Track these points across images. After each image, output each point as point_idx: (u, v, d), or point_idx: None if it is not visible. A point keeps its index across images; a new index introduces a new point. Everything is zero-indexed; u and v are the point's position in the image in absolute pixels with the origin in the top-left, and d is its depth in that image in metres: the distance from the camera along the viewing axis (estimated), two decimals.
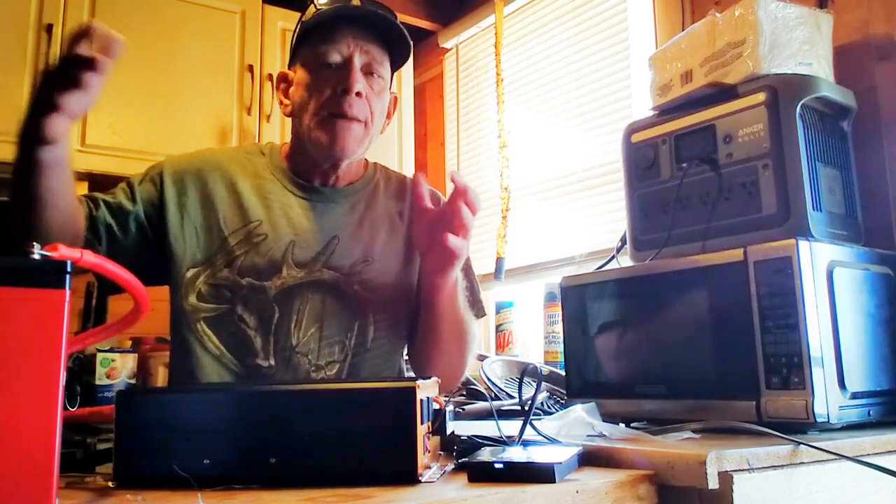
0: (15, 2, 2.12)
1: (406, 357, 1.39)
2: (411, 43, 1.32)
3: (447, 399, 1.33)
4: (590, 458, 0.84)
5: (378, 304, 1.28)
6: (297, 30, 1.29)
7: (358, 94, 1.22)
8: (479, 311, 1.39)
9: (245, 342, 1.22)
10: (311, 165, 1.30)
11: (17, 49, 2.10)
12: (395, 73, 1.35)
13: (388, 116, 1.35)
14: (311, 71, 1.25)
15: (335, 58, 1.23)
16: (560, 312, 1.35)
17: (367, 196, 1.35)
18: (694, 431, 0.95)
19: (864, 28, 1.50)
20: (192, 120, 2.33)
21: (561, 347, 1.76)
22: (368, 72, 1.25)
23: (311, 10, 1.27)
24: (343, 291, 1.26)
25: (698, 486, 0.75)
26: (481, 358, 1.76)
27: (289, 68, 1.33)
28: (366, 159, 1.39)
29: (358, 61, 1.23)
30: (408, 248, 1.33)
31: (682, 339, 1.13)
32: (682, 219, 1.29)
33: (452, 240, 1.11)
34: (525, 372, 1.44)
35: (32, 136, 0.93)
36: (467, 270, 1.39)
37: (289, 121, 1.33)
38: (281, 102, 1.33)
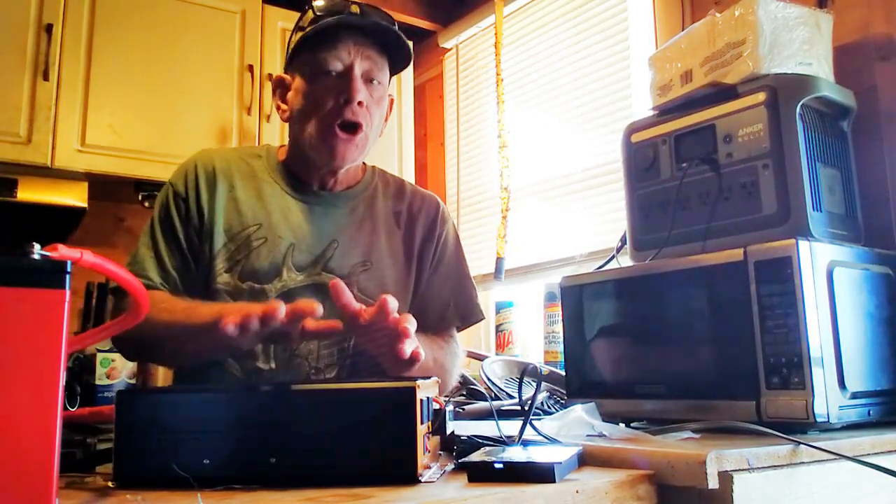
0: (15, 2, 2.12)
1: None
2: (411, 51, 1.31)
3: (447, 399, 1.33)
4: (590, 458, 0.84)
5: None
6: (295, 34, 1.27)
7: (360, 103, 1.22)
8: (475, 316, 1.40)
9: None
10: (309, 169, 1.30)
11: (17, 49, 2.11)
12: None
13: (385, 119, 1.35)
14: (311, 78, 1.25)
15: (336, 66, 1.23)
16: (560, 312, 1.35)
17: (365, 200, 1.35)
18: (694, 431, 0.95)
19: (864, 28, 1.50)
20: (192, 120, 2.33)
21: (561, 347, 1.76)
22: (368, 79, 1.25)
23: (310, 15, 1.25)
24: None
25: (698, 486, 0.75)
26: (481, 358, 1.76)
27: (285, 72, 1.32)
28: (364, 163, 1.39)
29: (359, 69, 1.23)
30: (406, 250, 1.33)
31: (682, 338, 1.13)
32: (682, 219, 1.29)
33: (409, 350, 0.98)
34: (525, 372, 1.44)
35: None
36: (463, 278, 1.40)
37: None
38: (278, 108, 1.32)
